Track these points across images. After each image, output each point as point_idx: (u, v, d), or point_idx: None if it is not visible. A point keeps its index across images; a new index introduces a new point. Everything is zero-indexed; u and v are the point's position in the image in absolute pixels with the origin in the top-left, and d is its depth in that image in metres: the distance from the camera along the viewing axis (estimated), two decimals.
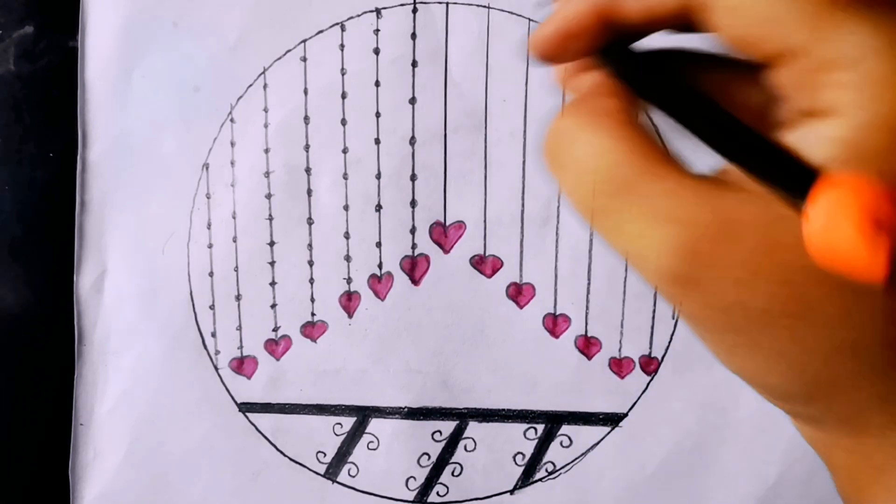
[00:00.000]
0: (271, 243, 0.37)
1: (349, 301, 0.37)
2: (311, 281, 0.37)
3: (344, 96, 0.36)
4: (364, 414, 0.37)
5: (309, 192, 0.37)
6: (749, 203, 0.19)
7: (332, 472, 0.38)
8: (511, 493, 0.38)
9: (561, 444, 0.37)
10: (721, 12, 0.19)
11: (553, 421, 0.37)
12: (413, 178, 0.37)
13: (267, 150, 0.37)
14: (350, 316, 0.37)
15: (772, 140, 0.19)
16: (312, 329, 0.37)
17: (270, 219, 0.37)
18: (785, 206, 0.18)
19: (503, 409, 0.37)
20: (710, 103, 0.20)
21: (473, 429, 0.37)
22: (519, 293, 0.37)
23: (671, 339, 0.37)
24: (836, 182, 0.17)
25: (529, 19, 0.36)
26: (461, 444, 0.37)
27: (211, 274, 0.37)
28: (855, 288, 0.18)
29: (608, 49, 0.21)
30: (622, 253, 0.20)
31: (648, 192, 0.19)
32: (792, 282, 0.19)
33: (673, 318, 0.36)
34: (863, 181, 0.17)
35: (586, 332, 0.37)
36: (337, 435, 0.38)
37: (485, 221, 0.37)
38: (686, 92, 0.20)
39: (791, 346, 0.20)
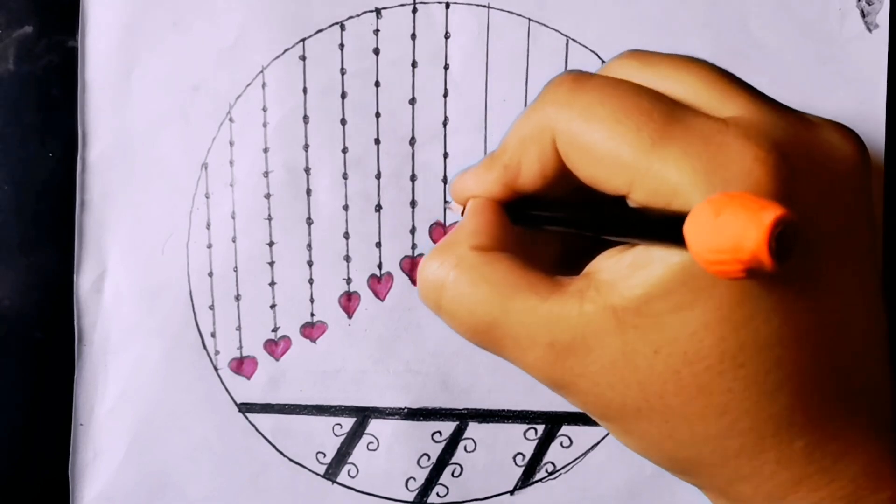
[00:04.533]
0: (270, 243, 0.37)
1: (349, 301, 0.37)
2: (311, 281, 0.37)
3: (343, 96, 0.36)
4: (364, 414, 0.37)
5: (308, 191, 0.37)
6: (603, 315, 0.22)
7: (331, 473, 0.38)
8: (511, 494, 0.37)
9: (561, 444, 0.37)
10: (580, 173, 0.23)
11: (553, 421, 0.37)
12: (413, 178, 0.37)
13: (266, 150, 0.37)
14: (350, 316, 0.37)
15: (642, 210, 0.22)
16: (312, 329, 0.37)
17: (269, 219, 0.37)
18: (637, 316, 0.21)
19: (503, 410, 0.37)
20: (582, 209, 0.24)
21: (473, 429, 0.37)
22: None
23: None
24: (703, 203, 0.18)
25: (529, 19, 0.36)
26: (461, 444, 0.37)
27: (210, 274, 0.37)
28: (703, 386, 0.21)
29: (511, 207, 0.26)
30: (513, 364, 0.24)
31: (511, 324, 0.23)
32: (647, 383, 0.22)
33: None
34: (718, 195, 0.18)
35: None
36: (337, 435, 0.38)
37: None
38: (570, 210, 0.25)
39: (660, 434, 0.23)
